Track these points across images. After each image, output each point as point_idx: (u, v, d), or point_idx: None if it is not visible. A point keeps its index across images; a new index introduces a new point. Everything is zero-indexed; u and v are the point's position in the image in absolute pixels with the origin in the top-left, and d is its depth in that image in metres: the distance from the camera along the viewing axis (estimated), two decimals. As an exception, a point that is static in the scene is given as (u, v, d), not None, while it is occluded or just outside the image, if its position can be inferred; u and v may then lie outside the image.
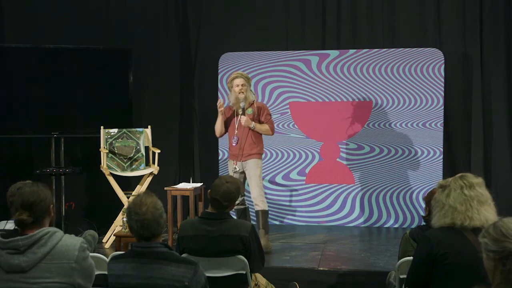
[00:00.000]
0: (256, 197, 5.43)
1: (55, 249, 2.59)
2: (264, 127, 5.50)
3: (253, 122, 5.44)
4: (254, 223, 5.48)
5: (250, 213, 5.74)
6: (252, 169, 5.46)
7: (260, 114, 5.51)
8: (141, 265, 2.59)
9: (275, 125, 5.70)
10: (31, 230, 2.63)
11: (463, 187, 2.82)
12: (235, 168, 5.48)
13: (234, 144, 5.49)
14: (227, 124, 5.59)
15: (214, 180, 3.56)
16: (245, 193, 5.65)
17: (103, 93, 6.56)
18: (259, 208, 5.42)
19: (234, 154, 5.52)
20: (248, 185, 5.58)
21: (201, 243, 3.40)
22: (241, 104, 5.42)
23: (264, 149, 5.65)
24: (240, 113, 5.45)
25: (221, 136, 5.73)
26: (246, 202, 5.67)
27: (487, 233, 2.04)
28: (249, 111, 5.48)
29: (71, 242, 2.65)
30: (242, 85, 5.44)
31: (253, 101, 5.54)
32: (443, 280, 2.75)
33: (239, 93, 5.43)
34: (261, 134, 5.54)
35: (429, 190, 3.86)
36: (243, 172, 5.53)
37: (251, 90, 5.56)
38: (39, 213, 2.67)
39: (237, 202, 5.32)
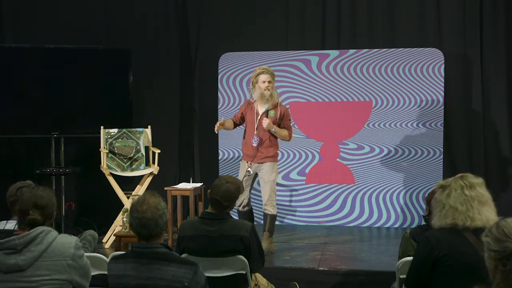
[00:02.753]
0: (267, 202, 5.27)
1: (51, 247, 2.63)
2: (284, 133, 5.31)
3: (275, 126, 5.24)
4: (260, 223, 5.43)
5: (258, 215, 5.57)
6: (268, 173, 5.27)
7: (283, 118, 5.32)
8: (141, 266, 2.60)
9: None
10: (24, 230, 2.65)
11: (464, 187, 2.81)
12: (248, 171, 5.24)
13: (254, 145, 5.25)
14: (244, 120, 5.37)
15: (214, 180, 3.56)
16: (250, 196, 5.45)
17: (103, 93, 6.56)
18: (269, 212, 5.29)
19: (249, 154, 5.29)
20: (258, 185, 5.42)
21: (201, 243, 3.40)
22: (266, 106, 5.21)
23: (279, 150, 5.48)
24: (261, 113, 5.21)
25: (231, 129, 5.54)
26: (251, 204, 5.49)
27: (489, 233, 2.04)
28: (272, 113, 5.27)
29: (67, 240, 2.69)
30: (268, 82, 5.20)
31: (277, 103, 5.31)
32: (443, 281, 2.74)
33: (265, 89, 5.20)
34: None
35: (429, 190, 3.86)
36: (255, 174, 5.35)
37: (275, 90, 5.33)
38: (47, 216, 2.76)
39: (242, 204, 5.34)
